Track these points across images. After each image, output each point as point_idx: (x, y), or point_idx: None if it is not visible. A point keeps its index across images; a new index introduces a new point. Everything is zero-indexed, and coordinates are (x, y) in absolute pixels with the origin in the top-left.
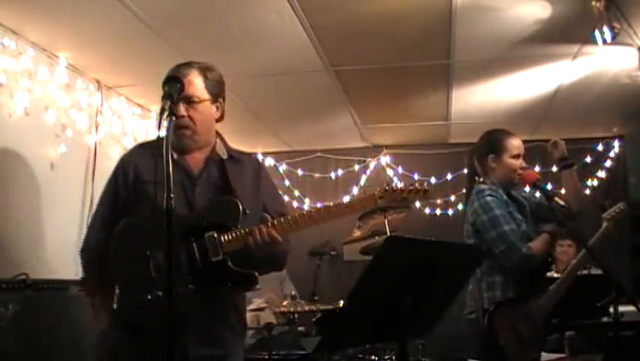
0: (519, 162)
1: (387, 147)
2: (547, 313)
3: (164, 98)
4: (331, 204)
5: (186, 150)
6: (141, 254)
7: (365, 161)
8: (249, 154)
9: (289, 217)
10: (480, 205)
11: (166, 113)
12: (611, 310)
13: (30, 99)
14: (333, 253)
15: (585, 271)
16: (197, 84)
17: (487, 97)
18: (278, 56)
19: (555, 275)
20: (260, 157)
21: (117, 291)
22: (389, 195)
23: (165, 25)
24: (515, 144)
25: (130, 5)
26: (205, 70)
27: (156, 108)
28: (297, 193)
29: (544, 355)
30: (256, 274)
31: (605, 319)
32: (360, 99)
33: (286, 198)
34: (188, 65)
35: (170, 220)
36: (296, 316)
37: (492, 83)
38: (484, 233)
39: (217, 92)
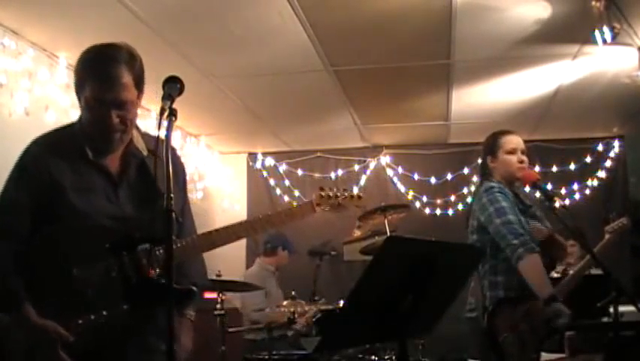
0: (515, 157)
1: (387, 147)
2: (547, 316)
3: (164, 98)
4: (271, 213)
5: (112, 150)
6: (68, 271)
7: (365, 161)
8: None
9: (230, 227)
10: (488, 200)
11: (166, 114)
12: (611, 310)
13: (30, 99)
14: (333, 253)
15: (585, 272)
16: (128, 85)
17: (487, 97)
18: (278, 56)
19: (555, 275)
20: (260, 157)
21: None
22: (325, 201)
23: (165, 25)
24: (509, 139)
25: (130, 5)
26: (131, 62)
27: (156, 108)
28: (297, 193)
29: (544, 355)
30: (195, 288)
31: (605, 319)
32: (360, 99)
33: (286, 198)
34: (115, 60)
35: (170, 221)
36: (296, 316)
37: (492, 83)
38: (489, 224)
39: (142, 83)
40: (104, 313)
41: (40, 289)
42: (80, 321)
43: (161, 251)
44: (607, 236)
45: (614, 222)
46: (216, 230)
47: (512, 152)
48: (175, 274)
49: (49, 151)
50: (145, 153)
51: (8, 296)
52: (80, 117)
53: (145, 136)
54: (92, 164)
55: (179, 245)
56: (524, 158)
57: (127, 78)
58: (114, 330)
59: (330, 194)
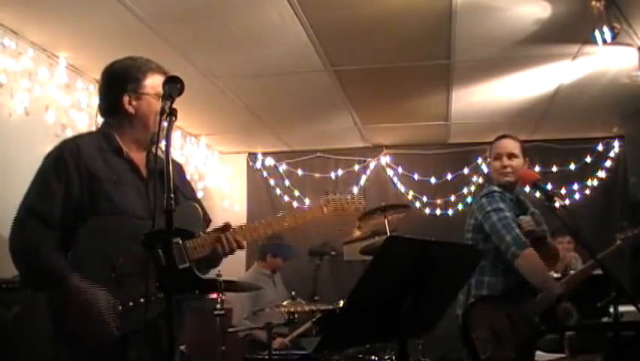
0: (499, 163)
1: (387, 147)
2: (533, 317)
3: (164, 98)
4: (286, 214)
5: (153, 140)
6: (108, 260)
7: (365, 161)
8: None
9: (251, 225)
10: (487, 201)
11: (166, 114)
12: (611, 310)
13: (30, 99)
14: (333, 253)
15: (588, 274)
16: None
17: (487, 97)
18: (278, 56)
19: (555, 275)
20: (260, 157)
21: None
22: (331, 204)
23: (165, 25)
24: (497, 144)
25: (130, 5)
26: None
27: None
28: (297, 193)
29: (544, 355)
30: (220, 279)
31: (605, 319)
32: (360, 99)
33: (286, 198)
34: None
35: (170, 220)
36: (296, 316)
37: (492, 83)
38: (486, 222)
39: None
40: (142, 300)
41: (86, 276)
42: (121, 307)
43: (191, 244)
44: (618, 243)
45: (628, 230)
46: (240, 227)
47: (497, 157)
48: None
49: (85, 148)
50: (162, 155)
51: (54, 272)
52: (108, 121)
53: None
54: (125, 160)
55: (206, 240)
56: (509, 163)
57: None
58: (150, 316)
59: (335, 199)
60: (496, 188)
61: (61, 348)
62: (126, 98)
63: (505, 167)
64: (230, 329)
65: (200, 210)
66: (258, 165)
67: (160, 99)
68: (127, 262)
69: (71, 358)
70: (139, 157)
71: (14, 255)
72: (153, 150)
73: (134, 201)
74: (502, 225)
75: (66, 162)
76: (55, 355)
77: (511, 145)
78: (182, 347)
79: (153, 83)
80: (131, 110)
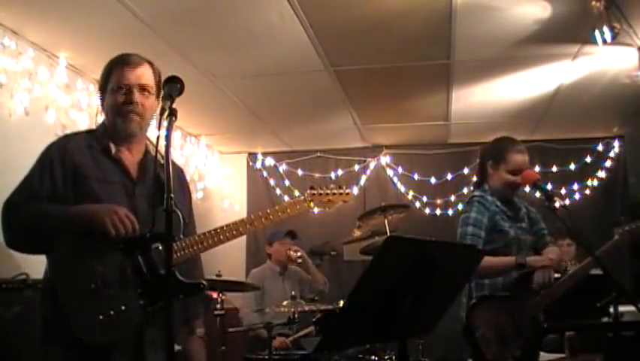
0: (515, 178)
1: (387, 147)
2: (535, 315)
3: (164, 98)
4: (268, 210)
5: (128, 137)
6: (87, 270)
7: (365, 161)
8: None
9: (231, 224)
10: (465, 210)
11: (166, 113)
12: (611, 310)
13: (30, 99)
14: (333, 253)
15: (586, 273)
16: (149, 76)
17: (487, 97)
18: (278, 56)
19: (555, 275)
20: (260, 157)
21: (66, 313)
22: (317, 198)
23: (165, 25)
24: (517, 159)
25: (130, 5)
26: (152, 64)
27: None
28: (297, 193)
29: (544, 355)
30: (204, 281)
31: (605, 319)
32: (360, 99)
33: (286, 198)
34: (139, 57)
35: (170, 220)
36: (296, 316)
37: (492, 83)
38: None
39: (159, 89)
40: (123, 308)
41: (62, 289)
42: (101, 317)
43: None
44: (616, 237)
45: (627, 225)
46: (220, 227)
47: (514, 173)
48: (184, 271)
49: (73, 145)
50: (162, 161)
51: (49, 214)
52: (103, 121)
53: (153, 146)
54: (113, 160)
55: (187, 242)
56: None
57: (148, 70)
58: (132, 324)
59: (320, 191)
60: (478, 193)
61: (52, 350)
62: (106, 98)
63: (520, 185)
64: (231, 329)
65: (180, 214)
66: (258, 165)
67: (124, 87)
68: (106, 270)
69: (62, 359)
70: (130, 158)
71: (7, 229)
72: (152, 151)
73: (120, 202)
74: (462, 238)
75: (52, 160)
76: (45, 356)
77: (527, 160)
78: (178, 347)
79: (117, 76)
80: (108, 103)
